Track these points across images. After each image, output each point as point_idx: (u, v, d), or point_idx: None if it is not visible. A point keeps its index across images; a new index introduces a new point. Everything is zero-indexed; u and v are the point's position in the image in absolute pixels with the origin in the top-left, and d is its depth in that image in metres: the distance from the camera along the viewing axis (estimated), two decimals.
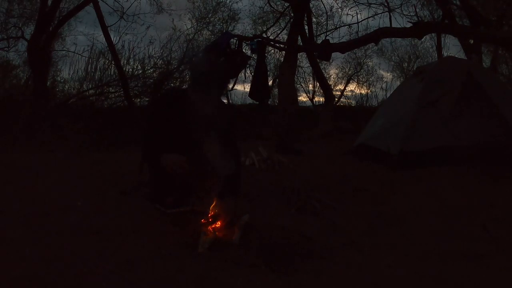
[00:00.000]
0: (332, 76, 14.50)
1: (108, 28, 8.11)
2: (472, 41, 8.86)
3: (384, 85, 16.47)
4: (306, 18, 8.50)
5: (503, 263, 1.93)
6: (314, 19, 10.10)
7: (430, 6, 8.81)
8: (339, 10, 10.37)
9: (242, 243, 2.13)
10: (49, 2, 8.55)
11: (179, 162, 2.38)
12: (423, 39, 11.06)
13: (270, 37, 9.72)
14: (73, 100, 6.94)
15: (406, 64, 13.90)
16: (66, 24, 9.69)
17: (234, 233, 2.19)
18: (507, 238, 2.25)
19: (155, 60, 8.00)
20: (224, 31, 9.99)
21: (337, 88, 14.37)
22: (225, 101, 10.85)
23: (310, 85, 14.37)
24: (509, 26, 6.54)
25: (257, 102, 7.23)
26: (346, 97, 14.01)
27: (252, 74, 7.56)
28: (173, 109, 2.66)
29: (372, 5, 8.67)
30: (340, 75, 14.68)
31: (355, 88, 14.42)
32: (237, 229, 2.22)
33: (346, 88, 14.46)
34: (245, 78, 10.37)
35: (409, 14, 8.44)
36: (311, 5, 9.28)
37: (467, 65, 4.95)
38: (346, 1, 9.81)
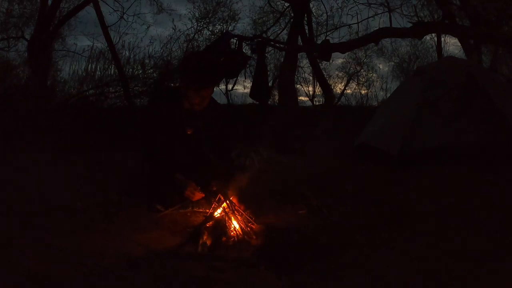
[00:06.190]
0: (332, 76, 14.49)
1: (108, 28, 8.15)
2: (472, 41, 8.86)
3: (384, 85, 16.42)
4: (306, 18, 8.51)
5: (503, 263, 1.93)
6: (314, 19, 10.11)
7: (430, 6, 8.81)
8: (339, 10, 10.35)
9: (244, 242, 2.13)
10: (49, 2, 8.56)
11: (194, 192, 2.67)
12: (423, 39, 11.07)
13: (270, 37, 9.73)
14: (73, 100, 6.94)
15: (406, 64, 13.88)
16: (66, 24, 9.70)
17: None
18: (507, 238, 2.25)
19: (155, 60, 8.02)
20: (224, 31, 9.99)
21: (337, 88, 14.35)
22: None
23: (310, 85, 14.37)
24: (509, 26, 6.54)
25: (257, 102, 7.23)
26: (346, 97, 13.99)
27: (252, 74, 7.56)
28: (171, 109, 2.70)
29: (372, 5, 8.69)
30: (340, 75, 14.68)
31: (355, 88, 14.40)
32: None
33: (346, 88, 14.45)
34: (245, 78, 10.40)
35: (409, 14, 8.46)
36: (311, 5, 9.29)
37: (467, 65, 4.95)
38: (346, 1, 9.83)
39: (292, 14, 8.73)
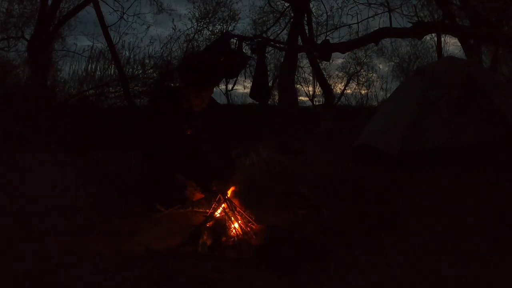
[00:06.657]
0: (332, 76, 14.52)
1: (108, 28, 8.16)
2: (472, 41, 8.86)
3: (384, 85, 16.46)
4: (306, 18, 8.51)
5: (503, 263, 1.93)
6: (314, 19, 10.12)
7: (430, 6, 8.82)
8: (339, 10, 10.36)
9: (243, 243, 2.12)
10: (49, 2, 8.57)
11: (194, 192, 2.73)
12: (423, 39, 11.08)
13: (270, 37, 9.73)
14: (73, 100, 6.94)
15: (406, 64, 13.90)
16: (66, 24, 9.71)
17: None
18: (507, 238, 2.25)
19: (155, 60, 8.03)
20: (224, 31, 9.99)
21: (337, 88, 14.38)
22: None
23: (310, 85, 14.40)
24: (509, 26, 6.54)
25: (257, 102, 7.24)
26: (346, 97, 14.03)
27: (252, 74, 7.56)
28: (171, 109, 2.70)
29: (372, 5, 8.71)
30: (340, 75, 14.72)
31: (355, 88, 14.43)
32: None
33: (346, 88, 14.48)
34: (245, 78, 10.41)
35: (409, 14, 8.47)
36: (311, 5, 9.30)
37: (467, 65, 4.95)
38: (346, 1, 9.85)
39: (292, 14, 8.73)
